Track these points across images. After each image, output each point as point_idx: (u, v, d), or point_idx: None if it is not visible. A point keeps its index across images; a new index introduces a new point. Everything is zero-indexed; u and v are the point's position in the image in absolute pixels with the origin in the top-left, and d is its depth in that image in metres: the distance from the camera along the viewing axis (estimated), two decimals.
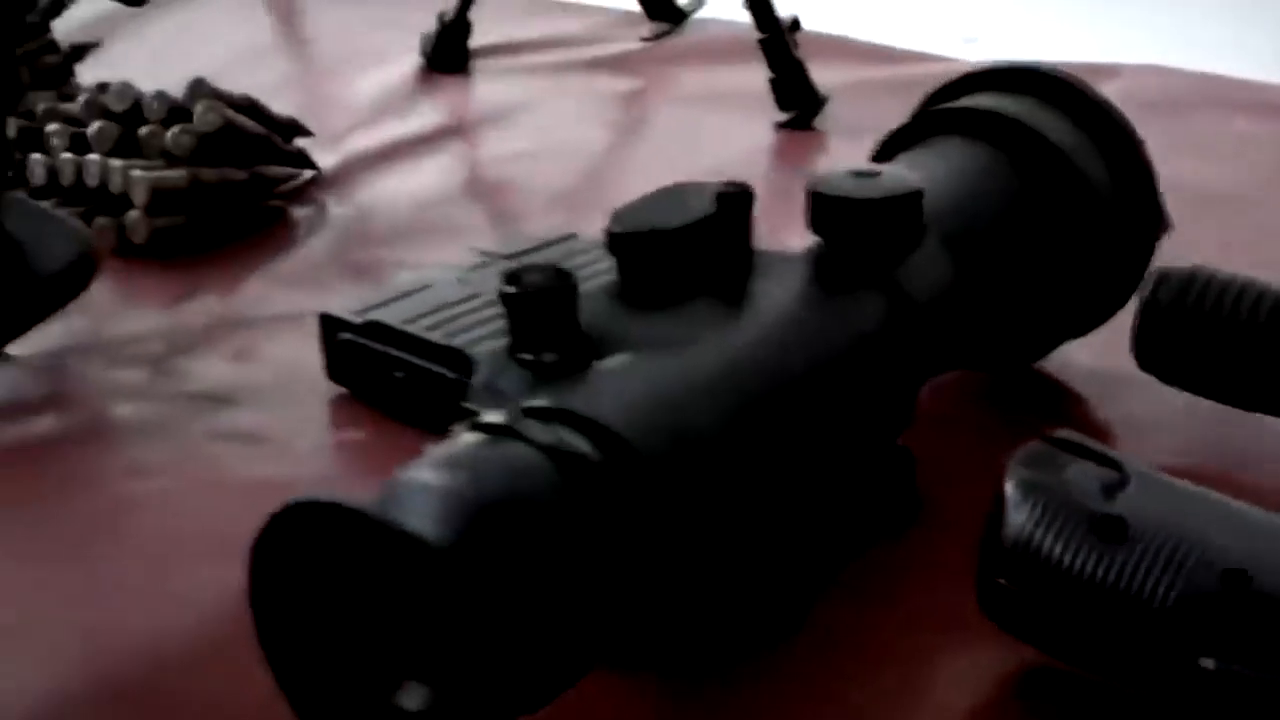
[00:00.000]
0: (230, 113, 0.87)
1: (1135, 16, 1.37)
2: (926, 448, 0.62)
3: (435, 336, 0.67)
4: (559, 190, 0.97)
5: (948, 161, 0.67)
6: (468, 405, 0.53)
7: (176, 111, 0.87)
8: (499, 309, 0.68)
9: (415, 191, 0.96)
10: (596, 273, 0.73)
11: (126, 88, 0.88)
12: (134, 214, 0.84)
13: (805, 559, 0.57)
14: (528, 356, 0.54)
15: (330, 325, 0.70)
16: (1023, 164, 0.67)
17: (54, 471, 0.66)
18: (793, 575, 0.56)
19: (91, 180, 0.85)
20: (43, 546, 0.61)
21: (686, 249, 0.57)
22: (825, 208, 0.60)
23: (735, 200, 0.58)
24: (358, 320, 0.69)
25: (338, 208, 0.93)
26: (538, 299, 0.53)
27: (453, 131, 1.05)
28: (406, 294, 0.72)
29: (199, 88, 0.89)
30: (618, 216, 0.58)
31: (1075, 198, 0.67)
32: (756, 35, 1.04)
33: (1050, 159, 0.67)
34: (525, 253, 0.76)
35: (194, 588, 0.57)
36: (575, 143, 1.04)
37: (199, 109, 0.86)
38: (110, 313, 0.78)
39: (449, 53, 1.13)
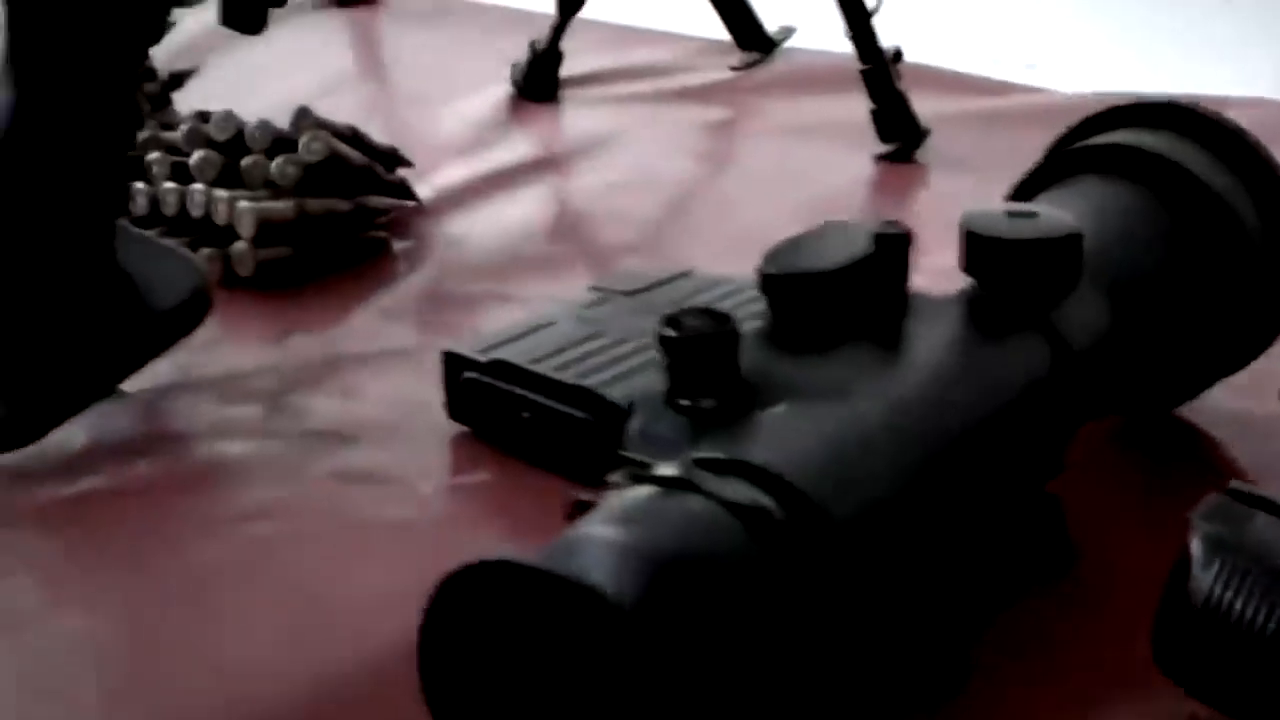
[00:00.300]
0: (335, 143, 0.86)
1: (1192, 41, 1.35)
2: (1072, 494, 0.60)
3: (565, 376, 0.65)
4: (656, 224, 0.95)
5: (1095, 201, 0.65)
6: (626, 454, 0.51)
7: (280, 141, 0.86)
8: (628, 347, 0.68)
9: (512, 224, 0.95)
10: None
11: (229, 117, 0.87)
12: (240, 245, 0.82)
13: (964, 610, 0.55)
14: (686, 402, 0.52)
15: (454, 363, 0.69)
16: (1173, 203, 0.65)
17: (175, 512, 0.65)
18: (953, 628, 0.54)
19: (196, 210, 0.84)
20: (170, 591, 0.60)
21: (842, 291, 0.56)
22: (981, 249, 0.58)
23: (893, 242, 0.57)
24: (483, 359, 0.67)
25: (437, 240, 0.91)
26: (699, 344, 0.52)
27: (546, 163, 1.04)
28: (528, 332, 0.70)
29: (304, 117, 0.88)
30: (771, 257, 0.57)
31: (1227, 238, 0.65)
32: (849, 64, 1.02)
33: (1202, 198, 0.65)
34: (643, 290, 0.74)
35: (339, 635, 0.55)
36: (668, 175, 1.03)
37: (304, 139, 0.85)
38: (217, 347, 0.76)
39: (540, 82, 1.12)
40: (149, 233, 0.77)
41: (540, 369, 0.66)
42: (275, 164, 0.84)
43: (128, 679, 0.55)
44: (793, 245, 0.58)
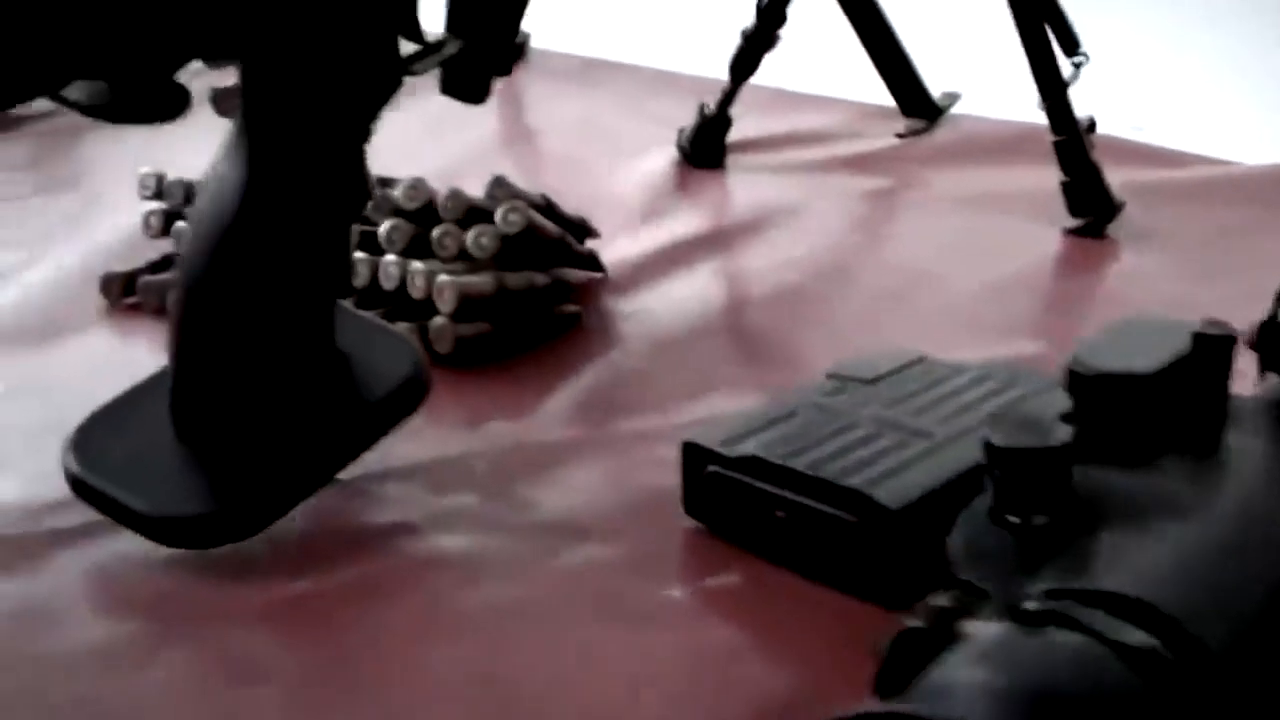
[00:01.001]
0: (532, 214, 0.82)
1: None
2: None
3: (825, 474, 0.61)
4: (844, 302, 0.91)
5: None
6: (959, 575, 0.47)
7: (474, 211, 0.83)
8: (884, 442, 0.64)
9: (695, 301, 0.91)
10: (972, 404, 0.68)
11: (418, 185, 0.83)
12: (439, 321, 0.79)
13: None
14: (1015, 519, 0.48)
15: (695, 456, 0.65)
16: None
17: (401, 612, 0.61)
18: None
19: (389, 283, 0.80)
20: (408, 701, 0.56)
21: (1162, 394, 0.52)
22: None
23: (1215, 343, 0.52)
24: (730, 453, 0.64)
25: (623, 315, 0.88)
26: (1032, 458, 0.48)
27: (721, 235, 1.00)
28: (770, 423, 0.66)
29: (499, 186, 0.84)
30: (1080, 356, 0.53)
31: None
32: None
33: None
34: (881, 377, 0.70)
35: None
36: (847, 249, 0.99)
37: (501, 210, 0.82)
38: (421, 429, 0.73)
39: (707, 148, 1.09)
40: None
41: (796, 465, 0.62)
42: (471, 235, 0.81)
43: None
44: (1103, 342, 0.54)
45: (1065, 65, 0.96)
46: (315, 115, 0.61)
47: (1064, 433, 0.48)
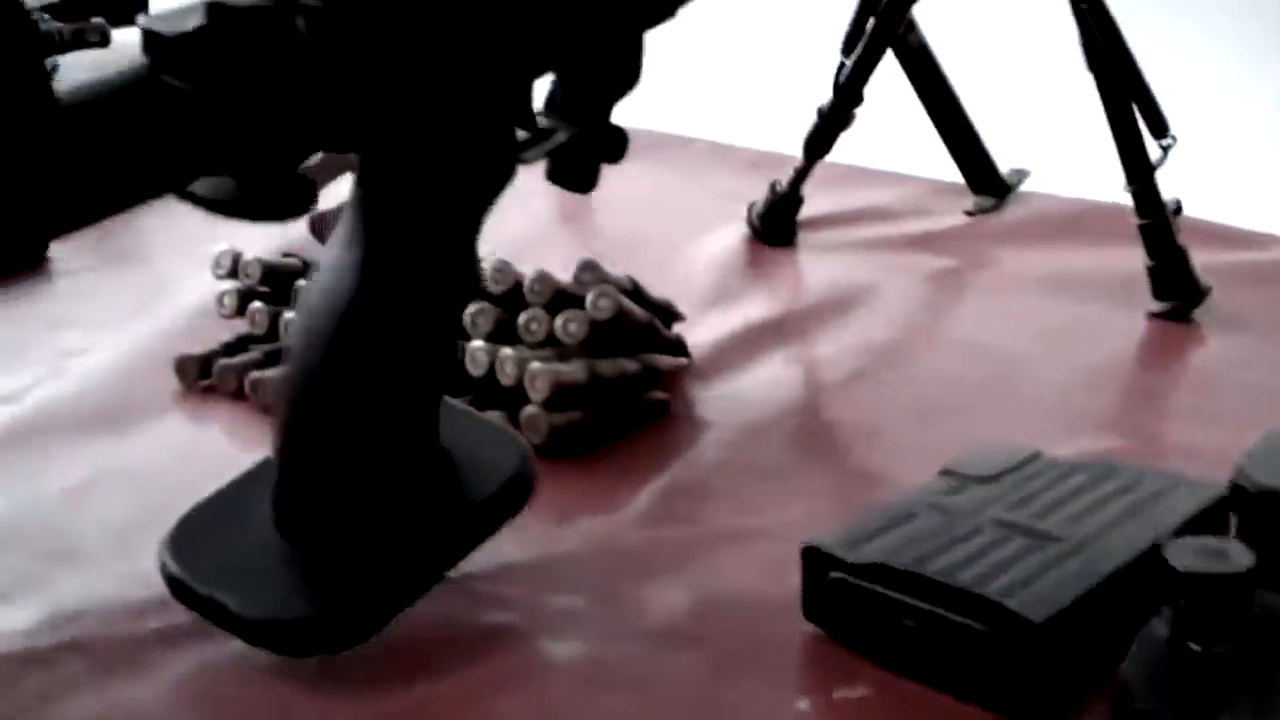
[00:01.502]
0: (622, 299, 0.80)
1: None
2: None
3: (960, 582, 0.59)
4: (930, 390, 0.89)
5: None
6: (1138, 705, 0.45)
7: (562, 296, 0.81)
8: (1013, 548, 0.62)
9: (776, 385, 0.89)
10: (1097, 504, 0.66)
11: (504, 267, 0.81)
12: (532, 410, 0.77)
13: None
14: (1196, 647, 0.46)
15: (816, 560, 0.63)
16: None
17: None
18: None
19: (476, 369, 0.78)
20: None
21: None
22: None
23: None
24: (855, 559, 0.61)
25: (708, 403, 0.86)
26: (1216, 584, 0.46)
27: (798, 319, 0.97)
28: (889, 525, 0.64)
29: (588, 269, 0.82)
30: (1246, 470, 0.51)
31: None
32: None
33: None
34: (999, 475, 0.68)
35: None
36: (928, 334, 0.97)
37: (592, 295, 0.80)
38: (520, 523, 0.70)
39: (779, 226, 1.07)
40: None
41: (926, 572, 0.60)
42: (559, 321, 0.79)
43: None
44: (1262, 455, 0.52)
45: (1153, 148, 0.95)
46: (433, 206, 0.60)
47: (1246, 557, 0.46)
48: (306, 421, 0.61)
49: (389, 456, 0.62)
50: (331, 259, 0.60)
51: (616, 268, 0.88)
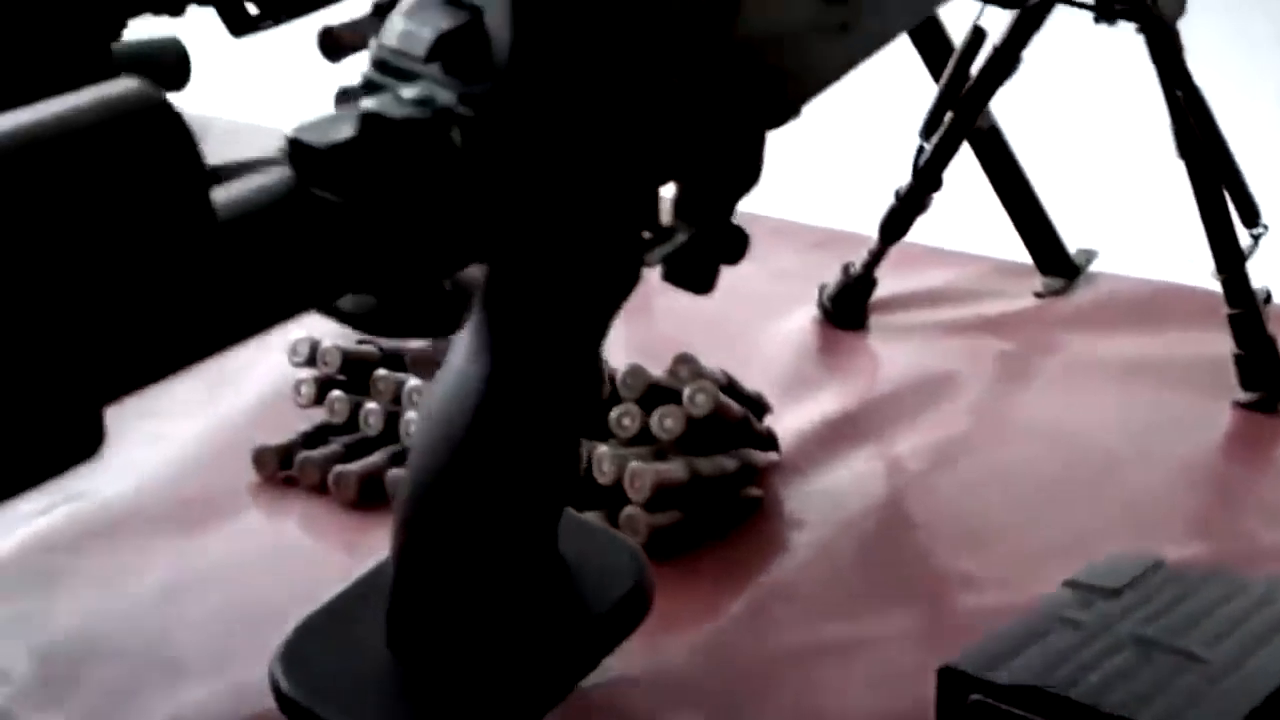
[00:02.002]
0: (719, 394, 0.78)
1: None
2: None
3: (1109, 707, 0.57)
4: (1012, 489, 0.86)
5: None
6: None
7: (654, 389, 0.79)
8: (1156, 668, 0.60)
9: (861, 480, 0.87)
10: (1235, 621, 0.64)
11: None
12: (633, 511, 0.74)
13: None
14: None
15: (954, 682, 0.60)
16: None
17: None
18: None
19: None
20: None
21: None
22: None
23: None
24: (996, 681, 0.59)
25: (798, 499, 0.84)
26: None
27: (873, 409, 0.95)
28: (1024, 643, 0.62)
29: (685, 363, 0.80)
30: None
31: None
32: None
33: None
34: (1127, 588, 0.66)
35: None
36: (1002, 426, 0.94)
37: (689, 390, 0.78)
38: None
39: (851, 309, 1.05)
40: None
41: (1073, 695, 0.58)
42: (655, 417, 0.77)
43: None
44: None
45: (1243, 235, 0.93)
46: (564, 315, 0.58)
47: None
48: (428, 530, 0.59)
49: (513, 568, 0.59)
50: (455, 369, 0.58)
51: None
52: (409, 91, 0.49)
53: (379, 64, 0.51)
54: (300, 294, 0.48)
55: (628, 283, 0.59)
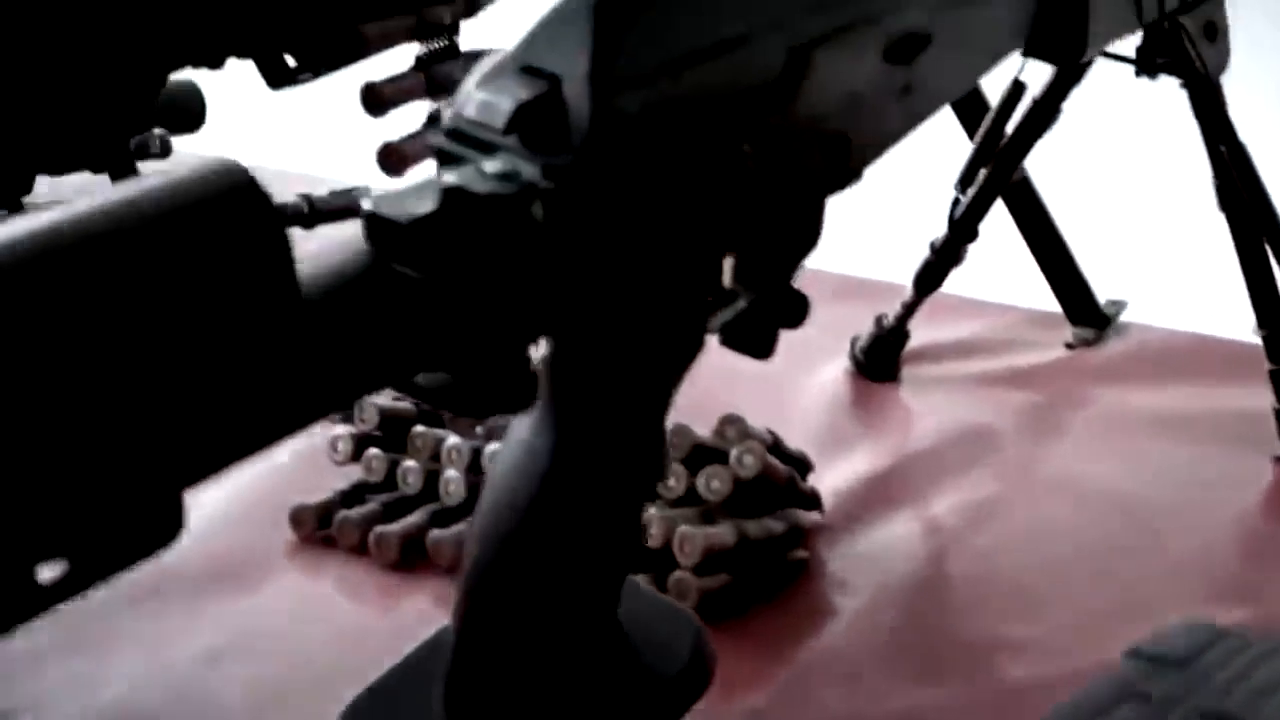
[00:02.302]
0: (766, 455, 0.77)
1: None
2: None
3: None
4: (1056, 549, 0.85)
5: None
6: None
7: (699, 450, 0.78)
8: None
9: (905, 540, 0.86)
10: None
11: None
12: (681, 575, 0.73)
13: None
14: None
15: None
16: None
17: None
18: None
19: None
20: None
21: None
22: None
23: None
24: None
25: (840, 560, 0.83)
26: None
27: (909, 465, 0.94)
28: (1094, 717, 0.61)
29: (731, 424, 0.79)
30: None
31: None
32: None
33: None
34: (1192, 659, 0.65)
35: None
36: (1043, 484, 0.92)
37: (736, 451, 0.77)
38: None
39: (883, 362, 1.04)
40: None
41: None
42: (702, 479, 0.76)
43: None
44: None
45: None
46: (630, 385, 0.57)
47: None
48: (493, 599, 0.58)
49: (577, 638, 0.58)
50: (519, 440, 0.57)
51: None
52: (491, 165, 0.48)
53: (454, 133, 0.50)
54: (379, 371, 0.47)
55: (693, 350, 0.59)
